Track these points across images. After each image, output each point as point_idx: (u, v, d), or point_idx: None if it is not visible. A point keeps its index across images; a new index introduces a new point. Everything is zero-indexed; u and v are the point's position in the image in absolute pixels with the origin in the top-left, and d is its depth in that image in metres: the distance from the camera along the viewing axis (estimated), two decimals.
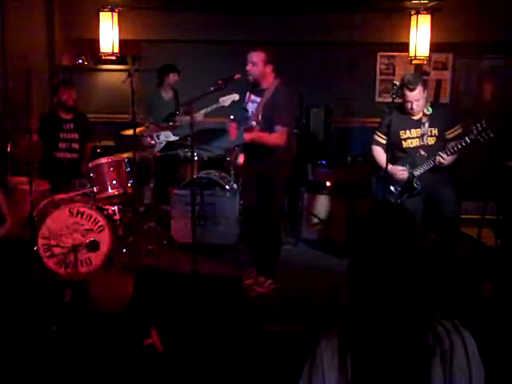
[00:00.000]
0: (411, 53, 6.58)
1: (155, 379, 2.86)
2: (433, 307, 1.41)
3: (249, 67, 4.13)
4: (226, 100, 4.91)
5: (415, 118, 4.09)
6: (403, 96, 4.02)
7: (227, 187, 5.26)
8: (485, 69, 7.00)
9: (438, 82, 6.96)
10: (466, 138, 3.87)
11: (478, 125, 3.83)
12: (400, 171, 4.12)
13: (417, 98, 3.97)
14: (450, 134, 4.06)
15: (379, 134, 4.24)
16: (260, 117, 4.15)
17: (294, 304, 3.90)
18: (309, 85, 6.28)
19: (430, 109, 4.07)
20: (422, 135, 4.06)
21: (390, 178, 4.12)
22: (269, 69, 4.15)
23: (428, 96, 4.20)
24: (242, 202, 4.86)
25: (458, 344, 1.38)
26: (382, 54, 6.97)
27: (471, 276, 4.22)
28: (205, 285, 3.36)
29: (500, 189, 5.04)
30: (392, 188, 4.19)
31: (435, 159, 3.99)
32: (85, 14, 6.64)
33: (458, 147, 3.90)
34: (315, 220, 5.45)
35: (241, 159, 4.44)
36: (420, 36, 6.48)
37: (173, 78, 5.90)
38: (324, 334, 1.44)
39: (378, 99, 6.98)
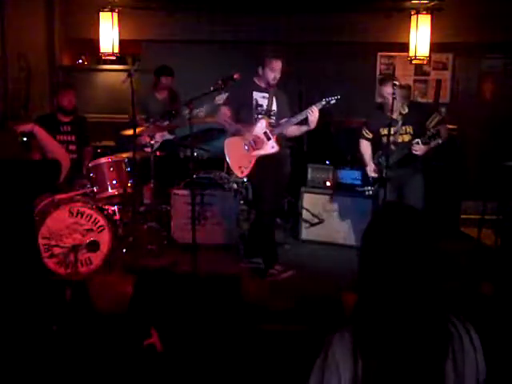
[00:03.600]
0: (411, 53, 6.58)
1: (155, 379, 2.86)
2: (445, 305, 1.43)
3: (278, 75, 4.39)
4: (222, 97, 4.91)
5: (393, 116, 4.45)
6: (380, 93, 4.63)
7: (227, 187, 5.26)
8: (485, 69, 7.00)
9: (438, 82, 6.96)
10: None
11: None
12: (371, 171, 4.65)
13: (386, 94, 4.42)
14: (429, 123, 4.37)
15: (366, 129, 4.75)
16: (275, 109, 4.51)
17: (294, 304, 3.90)
18: (309, 85, 6.29)
19: (406, 108, 4.49)
20: (395, 133, 4.45)
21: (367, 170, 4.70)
22: None
23: (406, 97, 4.84)
24: (262, 194, 4.59)
25: (466, 340, 1.43)
26: (382, 53, 6.98)
27: (471, 276, 4.22)
28: (204, 285, 3.36)
29: (500, 189, 5.04)
30: (369, 178, 4.70)
31: (410, 148, 4.34)
32: (85, 14, 6.63)
33: (427, 140, 4.27)
34: (315, 220, 5.45)
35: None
36: (420, 36, 6.48)
37: (165, 80, 5.81)
38: (337, 331, 1.45)
39: (378, 99, 6.97)
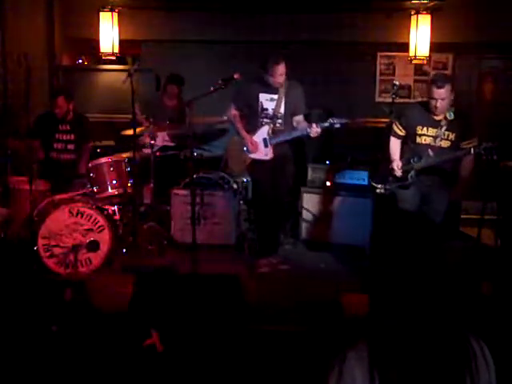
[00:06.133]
0: (411, 53, 6.59)
1: (155, 379, 2.86)
2: (464, 322, 1.40)
3: (280, 79, 4.39)
4: None
5: (436, 118, 4.11)
6: (429, 93, 4.05)
7: (227, 187, 5.26)
8: (485, 69, 7.00)
9: None
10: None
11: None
12: (398, 168, 4.24)
13: (442, 97, 3.99)
14: (465, 145, 4.07)
15: (398, 125, 4.29)
16: (283, 111, 4.53)
17: (294, 304, 3.90)
18: (309, 85, 6.28)
19: (452, 114, 4.10)
20: (436, 137, 4.11)
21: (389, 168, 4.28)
22: None
23: (452, 100, 4.19)
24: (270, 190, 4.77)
25: (480, 357, 1.39)
26: (382, 53, 6.97)
27: (471, 276, 4.22)
28: (204, 285, 3.36)
29: (500, 189, 5.03)
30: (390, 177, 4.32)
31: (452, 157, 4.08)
32: (85, 14, 6.64)
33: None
34: (315, 220, 5.45)
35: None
36: (420, 36, 6.48)
37: (171, 89, 5.74)
38: (352, 347, 1.40)
39: (378, 99, 6.98)
